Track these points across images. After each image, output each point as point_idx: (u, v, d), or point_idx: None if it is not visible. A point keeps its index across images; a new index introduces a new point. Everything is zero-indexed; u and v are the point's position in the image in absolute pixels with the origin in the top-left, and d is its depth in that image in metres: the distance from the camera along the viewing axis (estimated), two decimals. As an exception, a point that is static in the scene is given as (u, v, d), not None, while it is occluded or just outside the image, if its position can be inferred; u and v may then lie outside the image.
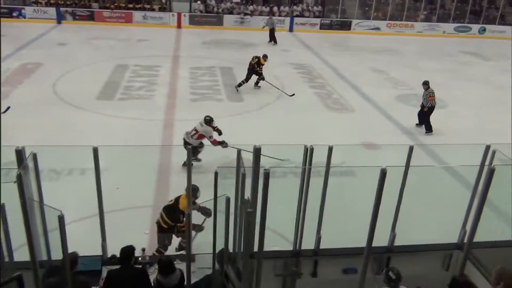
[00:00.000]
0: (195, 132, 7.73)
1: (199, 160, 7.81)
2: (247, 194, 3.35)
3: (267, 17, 20.99)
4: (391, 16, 23.87)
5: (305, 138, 5.54)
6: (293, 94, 12.35)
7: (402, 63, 17.56)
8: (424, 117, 10.32)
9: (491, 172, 4.04)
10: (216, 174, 3.51)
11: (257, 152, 3.11)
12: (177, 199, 5.21)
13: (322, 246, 4.54)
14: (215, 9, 23.19)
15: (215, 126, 7.91)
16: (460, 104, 12.71)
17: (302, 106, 11.71)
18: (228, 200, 3.41)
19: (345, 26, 23.37)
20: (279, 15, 23.13)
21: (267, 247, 3.32)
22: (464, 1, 24.65)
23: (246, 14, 22.93)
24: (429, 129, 10.21)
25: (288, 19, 22.86)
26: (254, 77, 12.68)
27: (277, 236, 5.30)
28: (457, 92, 13.74)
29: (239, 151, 3.65)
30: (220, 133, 7.91)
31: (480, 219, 4.16)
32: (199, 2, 23.01)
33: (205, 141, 7.80)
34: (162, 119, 10.15)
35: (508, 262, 3.28)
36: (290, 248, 4.58)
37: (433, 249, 4.86)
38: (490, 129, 10.50)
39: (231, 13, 23.09)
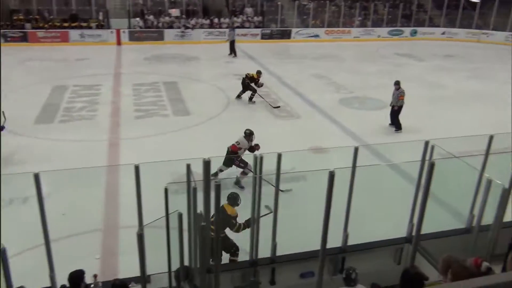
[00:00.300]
0: (237, 142, 7.88)
1: (245, 173, 7.69)
2: (200, 208, 3.32)
3: (227, 29, 21.28)
4: (328, 23, 24.66)
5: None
6: (279, 106, 12.50)
7: (342, 68, 18.18)
8: (394, 116, 10.85)
9: (431, 166, 4.24)
10: (166, 190, 3.45)
11: (206, 165, 3.09)
12: (222, 210, 5.12)
13: (278, 253, 4.57)
14: (155, 24, 22.95)
15: (252, 141, 7.99)
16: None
17: (249, 115, 11.80)
18: (180, 216, 3.36)
19: (285, 35, 23.88)
20: (220, 27, 23.27)
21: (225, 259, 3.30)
22: (396, 6, 25.96)
23: (187, 27, 22.87)
24: (398, 128, 10.74)
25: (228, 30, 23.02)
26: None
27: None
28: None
29: (188, 166, 3.61)
30: (253, 150, 7.82)
31: (426, 212, 4.35)
32: (138, 18, 22.69)
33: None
34: (107, 139, 9.87)
35: (454, 250, 3.45)
36: (247, 258, 4.58)
37: (385, 244, 5.03)
38: (429, 125, 11.06)
39: (171, 27, 22.94)
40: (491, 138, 5.66)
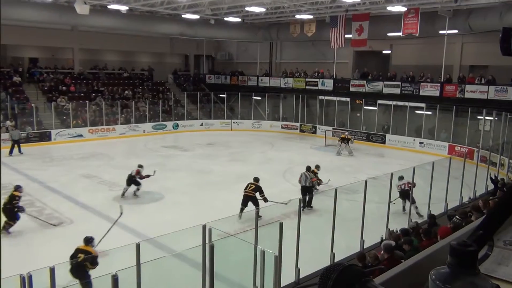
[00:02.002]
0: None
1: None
2: None
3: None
4: (91, 122, 24.22)
5: (20, 267, 4.79)
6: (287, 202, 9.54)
7: (112, 165, 17.87)
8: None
9: (212, 248, 4.45)
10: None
11: None
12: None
13: None
14: None
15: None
16: (174, 193, 13.73)
17: (11, 231, 10.21)
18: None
19: (44, 137, 22.26)
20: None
21: None
22: (155, 103, 27.58)
23: None
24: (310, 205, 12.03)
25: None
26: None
27: None
28: (168, 183, 14.82)
29: None
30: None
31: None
32: None
33: None
34: None
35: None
36: None
37: None
38: (207, 208, 11.68)
39: None
40: (257, 213, 6.35)
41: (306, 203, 11.73)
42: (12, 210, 10.47)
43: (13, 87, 24.04)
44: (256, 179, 11.82)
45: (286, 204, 9.11)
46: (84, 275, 6.76)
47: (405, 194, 11.24)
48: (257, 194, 11.17)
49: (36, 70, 26.22)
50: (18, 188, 11.01)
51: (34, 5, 21.44)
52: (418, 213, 10.91)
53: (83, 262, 6.84)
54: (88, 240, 7.43)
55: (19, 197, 10.72)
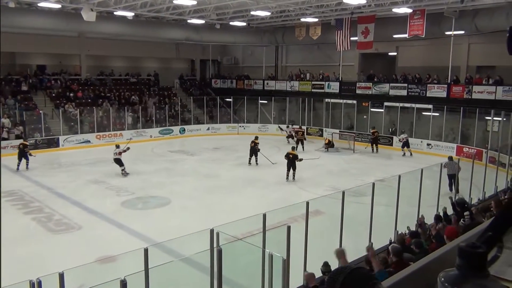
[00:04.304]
0: None
1: None
2: None
3: None
4: (98, 128, 24.35)
5: (29, 272, 4.83)
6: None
7: (119, 170, 17.90)
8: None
9: (219, 252, 4.44)
10: None
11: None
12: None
13: None
14: None
15: None
16: (181, 197, 13.76)
17: (20, 237, 10.27)
18: None
19: (52, 143, 22.42)
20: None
21: None
22: (162, 108, 27.69)
23: None
24: None
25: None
26: None
27: None
28: (176, 187, 14.87)
29: None
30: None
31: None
32: None
33: None
34: None
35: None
36: None
37: None
38: (214, 212, 11.71)
39: None
40: (264, 216, 6.34)
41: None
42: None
43: (21, 94, 24.23)
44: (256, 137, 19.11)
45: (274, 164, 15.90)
46: None
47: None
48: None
49: (44, 77, 26.43)
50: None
51: (42, 13, 21.66)
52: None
53: None
54: None
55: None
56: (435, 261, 1.74)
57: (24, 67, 27.10)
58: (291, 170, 15.94)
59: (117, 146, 17.16)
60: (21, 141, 18.91)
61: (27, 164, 17.60)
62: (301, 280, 7.07)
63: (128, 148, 16.95)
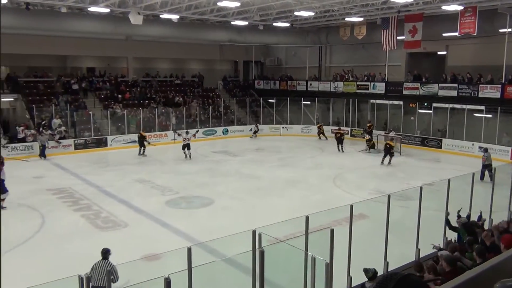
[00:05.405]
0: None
1: None
2: None
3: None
4: (144, 128, 24.89)
5: (77, 267, 5.02)
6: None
7: (164, 170, 18.35)
8: None
9: (262, 254, 4.44)
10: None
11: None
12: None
13: None
14: None
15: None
16: (224, 197, 13.90)
17: (69, 233, 10.73)
18: None
19: (101, 143, 23.27)
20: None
21: None
22: (205, 109, 28.12)
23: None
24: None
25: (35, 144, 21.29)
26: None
27: None
28: (219, 188, 15.04)
29: None
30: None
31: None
32: None
33: None
34: None
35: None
36: None
37: None
38: (256, 213, 11.75)
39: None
40: (307, 219, 6.28)
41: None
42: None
43: (72, 95, 25.28)
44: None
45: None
46: None
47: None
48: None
49: (94, 79, 27.46)
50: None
51: (91, 17, 22.53)
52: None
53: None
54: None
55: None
56: (491, 270, 1.65)
57: (75, 70, 28.34)
58: (388, 157, 18.88)
59: (187, 132, 21.08)
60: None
61: (143, 151, 21.61)
62: (345, 285, 6.96)
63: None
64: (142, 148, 21.66)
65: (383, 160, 19.20)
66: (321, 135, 26.81)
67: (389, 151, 19.06)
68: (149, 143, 22.07)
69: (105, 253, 7.14)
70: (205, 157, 21.47)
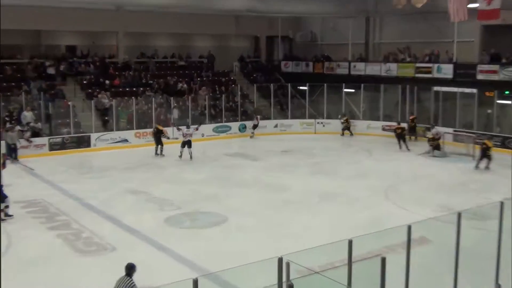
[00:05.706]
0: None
1: None
2: None
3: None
4: (137, 124, 25.02)
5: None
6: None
7: (164, 177, 18.43)
8: None
9: (290, 288, 4.38)
10: None
11: None
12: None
13: None
14: None
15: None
16: (240, 214, 13.85)
17: (42, 258, 10.85)
18: None
19: (83, 142, 23.45)
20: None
21: None
22: (217, 98, 28.07)
23: None
24: None
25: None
26: None
27: None
28: (232, 202, 15.00)
29: None
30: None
31: None
32: None
33: None
34: None
35: None
36: None
37: None
38: (282, 235, 11.67)
39: None
40: (350, 243, 6.19)
41: None
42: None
43: (47, 81, 25.45)
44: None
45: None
46: None
47: None
48: None
49: (75, 61, 27.64)
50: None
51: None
52: None
53: None
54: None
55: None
56: None
57: (51, 49, 28.65)
58: (484, 159, 19.22)
59: (188, 127, 21.46)
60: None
61: (161, 150, 22.05)
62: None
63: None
64: (160, 146, 22.14)
65: (477, 164, 19.49)
66: (345, 131, 27.64)
67: (485, 152, 19.23)
68: (168, 139, 22.66)
69: (130, 268, 7.29)
70: (216, 160, 21.49)
